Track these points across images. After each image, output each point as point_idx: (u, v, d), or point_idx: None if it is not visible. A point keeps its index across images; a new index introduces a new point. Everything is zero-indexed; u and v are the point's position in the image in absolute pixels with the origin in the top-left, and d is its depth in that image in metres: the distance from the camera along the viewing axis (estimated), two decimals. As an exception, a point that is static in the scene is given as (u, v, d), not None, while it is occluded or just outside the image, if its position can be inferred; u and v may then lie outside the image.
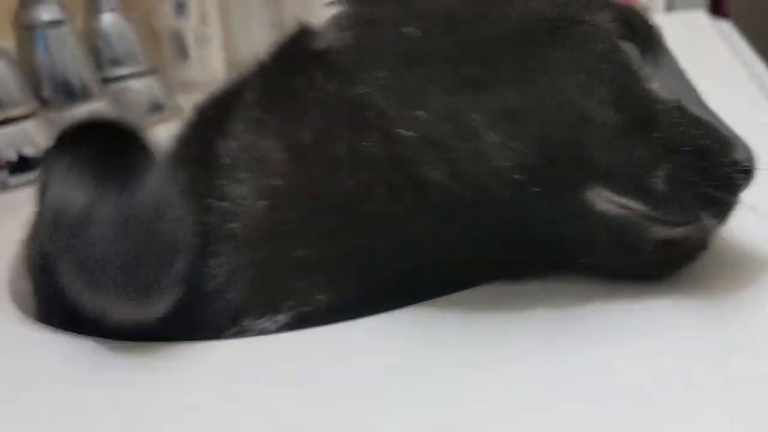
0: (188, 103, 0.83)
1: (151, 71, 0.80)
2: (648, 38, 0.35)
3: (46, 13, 0.68)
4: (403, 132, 0.32)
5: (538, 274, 0.33)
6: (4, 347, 0.35)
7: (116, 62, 0.78)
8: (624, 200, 0.30)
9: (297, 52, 0.39)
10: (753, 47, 0.92)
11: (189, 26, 0.92)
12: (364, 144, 0.33)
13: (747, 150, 0.32)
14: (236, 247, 0.35)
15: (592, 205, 0.31)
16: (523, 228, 0.32)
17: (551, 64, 0.31)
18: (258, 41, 1.08)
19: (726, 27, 1.02)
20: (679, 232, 0.31)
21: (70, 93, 0.70)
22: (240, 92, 0.39)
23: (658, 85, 0.33)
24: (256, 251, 0.35)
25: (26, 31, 0.69)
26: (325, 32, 0.38)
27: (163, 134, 0.73)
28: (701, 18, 1.02)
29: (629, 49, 0.33)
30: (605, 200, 0.31)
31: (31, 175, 0.62)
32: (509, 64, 0.32)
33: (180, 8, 0.91)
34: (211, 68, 0.97)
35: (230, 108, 0.39)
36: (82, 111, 0.70)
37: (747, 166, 0.31)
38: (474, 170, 0.31)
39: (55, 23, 0.69)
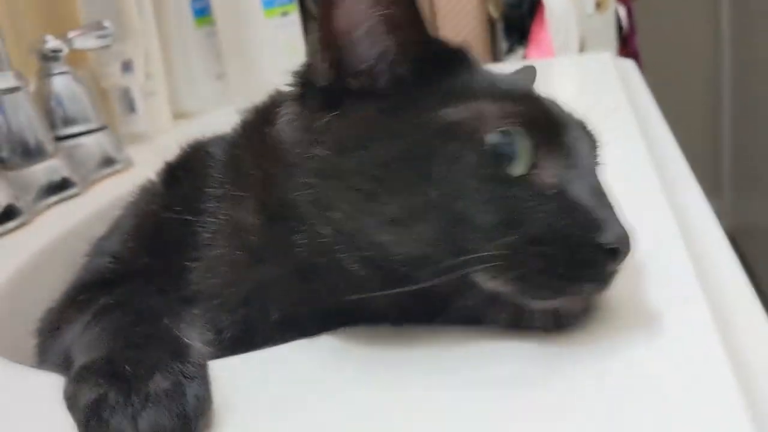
0: (138, 155, 0.90)
1: (101, 128, 0.86)
2: (547, 128, 0.39)
3: (2, 82, 0.74)
4: (321, 229, 0.38)
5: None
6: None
7: (68, 121, 0.83)
8: (501, 282, 0.36)
9: (258, 133, 0.45)
10: (660, 84, 1.03)
11: (135, 82, 0.98)
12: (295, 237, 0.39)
13: (617, 232, 0.36)
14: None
15: (480, 284, 0.36)
16: (431, 295, 0.36)
17: (430, 180, 0.36)
18: (201, 92, 1.15)
19: (628, 66, 1.13)
20: (553, 303, 0.36)
21: (27, 153, 0.76)
22: (207, 169, 0.47)
23: (545, 173, 0.38)
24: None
25: (-17, 98, 0.74)
26: (277, 118, 0.43)
27: (116, 186, 0.80)
28: (606, 58, 1.12)
29: (505, 146, 0.37)
30: (487, 281, 0.36)
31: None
32: (396, 179, 0.37)
33: (126, 66, 0.97)
34: (158, 120, 1.03)
35: (200, 185, 0.46)
36: (39, 169, 0.76)
37: (614, 248, 0.36)
38: (376, 258, 0.37)
39: (10, 90, 0.74)
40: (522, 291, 0.36)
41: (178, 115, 1.10)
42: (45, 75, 0.83)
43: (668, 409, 0.30)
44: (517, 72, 0.55)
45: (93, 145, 0.84)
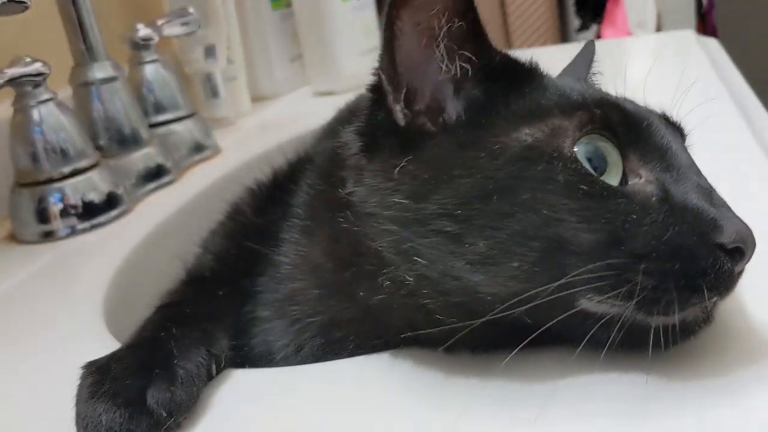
0: (222, 140, 0.90)
1: (191, 114, 0.87)
2: (632, 130, 0.37)
3: (100, 72, 0.76)
4: (405, 276, 0.37)
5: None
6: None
7: (160, 108, 0.85)
8: (612, 301, 0.33)
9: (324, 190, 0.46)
10: (739, 64, 1.00)
11: (218, 67, 0.99)
12: (379, 285, 0.39)
13: (737, 228, 0.33)
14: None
15: (584, 306, 0.34)
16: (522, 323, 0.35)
17: (518, 208, 0.34)
18: (277, 75, 1.16)
19: (713, 44, 1.09)
20: (670, 318, 0.33)
21: (124, 141, 0.77)
22: (286, 197, 0.50)
23: (642, 179, 0.36)
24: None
25: (83, 87, 0.76)
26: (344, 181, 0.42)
27: (208, 173, 0.81)
28: (689, 36, 1.09)
29: (592, 157, 0.35)
30: (595, 304, 0.33)
31: (97, 221, 0.70)
32: (481, 215, 0.35)
33: (209, 51, 0.98)
34: (238, 105, 1.04)
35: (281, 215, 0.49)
36: (137, 156, 0.77)
37: (735, 246, 0.33)
38: (466, 300, 0.35)
39: (108, 80, 0.76)
40: (638, 308, 0.33)
41: (255, 99, 1.11)
42: (136, 63, 0.84)
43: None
44: (580, 52, 0.54)
45: (184, 131, 0.85)
